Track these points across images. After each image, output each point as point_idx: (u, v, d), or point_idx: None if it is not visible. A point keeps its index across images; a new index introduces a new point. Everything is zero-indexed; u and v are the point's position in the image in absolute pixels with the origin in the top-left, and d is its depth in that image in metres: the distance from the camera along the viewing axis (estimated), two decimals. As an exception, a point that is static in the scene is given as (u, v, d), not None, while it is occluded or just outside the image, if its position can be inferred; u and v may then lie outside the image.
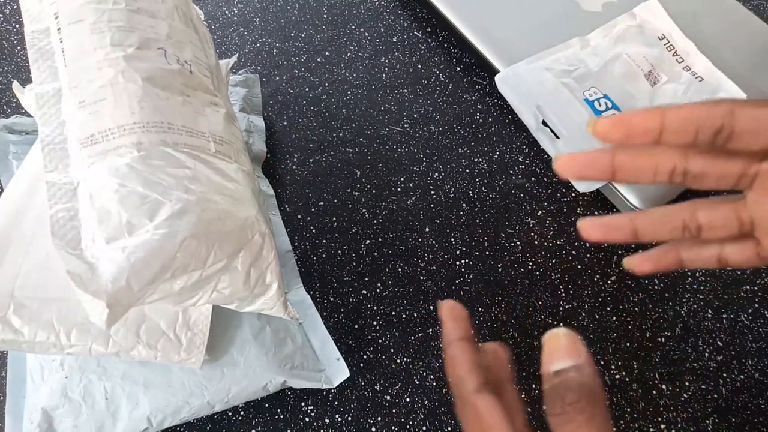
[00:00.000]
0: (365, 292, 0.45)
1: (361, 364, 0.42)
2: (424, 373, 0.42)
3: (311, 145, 0.52)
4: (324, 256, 0.46)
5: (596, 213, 0.49)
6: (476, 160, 0.51)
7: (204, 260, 0.30)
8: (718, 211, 0.25)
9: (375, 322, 0.44)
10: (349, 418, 0.40)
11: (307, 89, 0.55)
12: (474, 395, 0.24)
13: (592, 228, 0.27)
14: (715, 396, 0.42)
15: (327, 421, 0.40)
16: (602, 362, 0.43)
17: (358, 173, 0.50)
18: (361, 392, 0.41)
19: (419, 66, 0.57)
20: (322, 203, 0.49)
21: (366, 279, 0.45)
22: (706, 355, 0.43)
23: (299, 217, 0.48)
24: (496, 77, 0.52)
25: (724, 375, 0.43)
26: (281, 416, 0.40)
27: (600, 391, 0.22)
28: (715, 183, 0.24)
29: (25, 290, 0.32)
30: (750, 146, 0.22)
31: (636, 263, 0.28)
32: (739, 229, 0.25)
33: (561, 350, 0.23)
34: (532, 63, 0.52)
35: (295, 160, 0.51)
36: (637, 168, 0.24)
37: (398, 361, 0.42)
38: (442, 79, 0.56)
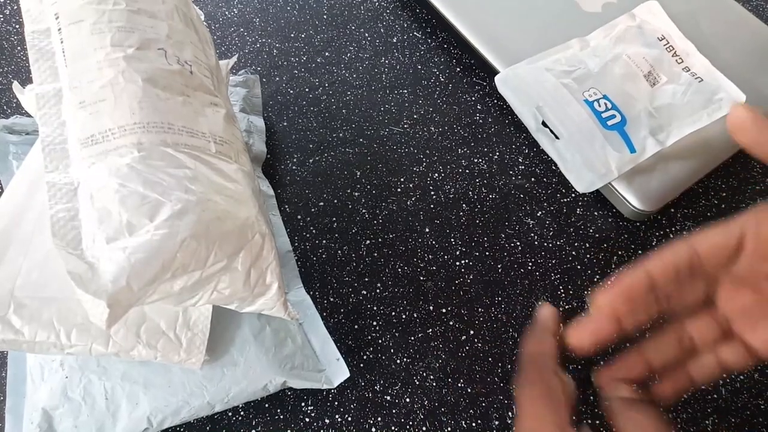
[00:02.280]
0: (365, 293, 0.45)
1: (361, 365, 0.42)
2: (424, 374, 0.42)
3: (311, 146, 0.52)
4: (324, 256, 0.46)
5: (596, 213, 0.49)
6: (476, 160, 0.51)
7: (204, 260, 0.30)
8: (699, 318, 0.29)
9: (375, 323, 0.44)
10: (349, 419, 0.40)
11: (307, 90, 0.55)
12: (548, 369, 0.27)
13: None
14: (715, 396, 0.42)
15: (327, 421, 0.40)
16: (601, 363, 0.43)
17: (358, 174, 0.50)
18: (361, 392, 0.41)
19: (419, 67, 0.57)
20: (322, 204, 0.49)
21: (366, 279, 0.45)
22: (706, 355, 0.43)
23: (299, 217, 0.48)
24: (496, 78, 0.52)
25: (724, 375, 0.43)
26: (281, 416, 0.40)
27: None
28: (691, 301, 0.28)
29: (25, 290, 0.32)
30: (712, 269, 0.27)
31: (654, 393, 0.30)
32: (720, 331, 0.29)
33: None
34: (532, 64, 0.52)
35: (295, 160, 0.51)
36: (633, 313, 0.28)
37: (398, 361, 0.42)
38: (442, 79, 0.56)
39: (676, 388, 0.30)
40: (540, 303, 0.29)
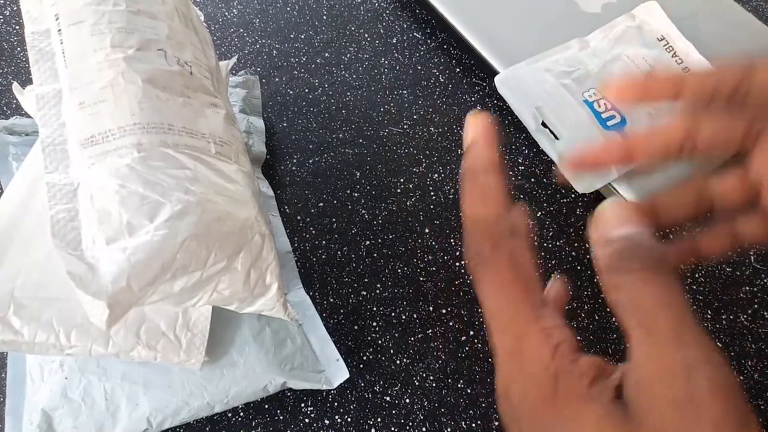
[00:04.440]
0: (365, 293, 0.45)
1: (361, 365, 0.42)
2: (424, 374, 0.42)
3: (311, 147, 0.52)
4: (324, 257, 0.46)
5: (596, 214, 0.49)
6: (476, 161, 0.51)
7: (204, 261, 0.30)
8: (727, 181, 0.25)
9: (375, 323, 0.44)
10: (349, 419, 0.40)
11: (306, 90, 0.55)
12: (503, 238, 0.21)
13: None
14: (715, 397, 0.42)
15: (327, 422, 0.40)
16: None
17: (358, 174, 0.50)
18: (360, 393, 0.41)
19: (419, 67, 0.57)
20: (321, 204, 0.49)
21: (366, 280, 0.45)
22: (706, 355, 0.43)
23: (299, 218, 0.48)
24: (496, 78, 0.52)
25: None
26: (281, 417, 0.40)
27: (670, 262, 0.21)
28: (722, 148, 0.24)
29: (25, 290, 0.32)
30: (761, 105, 0.22)
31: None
32: (746, 197, 0.25)
33: (622, 218, 0.21)
34: (532, 64, 0.52)
35: (294, 161, 0.51)
36: (650, 144, 0.24)
37: (398, 362, 0.42)
38: (442, 80, 0.56)
39: (681, 257, 0.27)
40: (468, 118, 0.23)
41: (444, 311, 0.44)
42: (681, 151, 0.24)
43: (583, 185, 0.47)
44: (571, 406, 0.18)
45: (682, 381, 0.17)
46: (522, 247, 0.21)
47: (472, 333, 0.43)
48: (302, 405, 0.40)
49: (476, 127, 0.23)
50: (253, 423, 0.40)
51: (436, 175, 0.50)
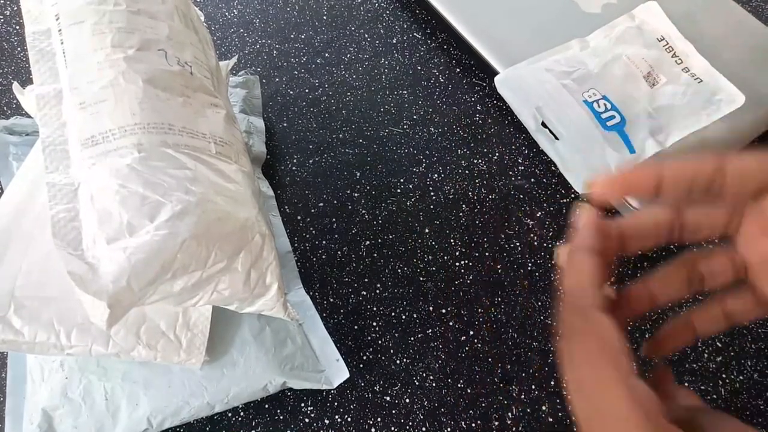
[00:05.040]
0: (365, 293, 0.45)
1: (361, 365, 0.42)
2: (424, 374, 0.42)
3: (311, 147, 0.52)
4: (324, 257, 0.46)
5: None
6: (476, 161, 0.52)
7: (204, 261, 0.30)
8: (715, 258, 0.26)
9: (375, 323, 0.44)
10: (349, 419, 0.40)
11: (306, 90, 0.55)
12: (594, 310, 0.22)
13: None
14: (715, 397, 0.42)
15: (327, 421, 0.40)
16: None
17: (358, 174, 0.50)
18: (360, 393, 0.41)
19: (419, 67, 0.57)
20: (321, 204, 0.49)
21: (366, 280, 0.45)
22: (706, 356, 0.43)
23: (299, 218, 0.48)
24: (496, 78, 0.52)
25: (724, 376, 0.43)
26: (281, 417, 0.40)
27: None
28: (708, 232, 0.25)
29: (25, 290, 0.32)
30: (737, 194, 0.23)
31: (654, 349, 0.28)
32: (735, 275, 0.26)
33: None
34: (532, 64, 0.52)
35: (294, 161, 0.51)
36: (640, 226, 0.25)
37: (398, 362, 0.42)
38: (442, 80, 0.56)
39: (677, 346, 0.27)
40: (579, 204, 0.25)
41: (444, 311, 0.44)
42: (669, 238, 0.25)
43: (583, 185, 0.47)
44: None
45: None
46: (612, 324, 0.22)
47: (472, 333, 0.44)
48: (302, 405, 0.40)
49: (588, 215, 0.25)
50: (254, 423, 0.40)
51: (436, 175, 0.51)
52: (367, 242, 0.47)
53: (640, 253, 0.27)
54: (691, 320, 0.27)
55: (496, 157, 0.52)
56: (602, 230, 0.24)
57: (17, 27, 0.57)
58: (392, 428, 0.40)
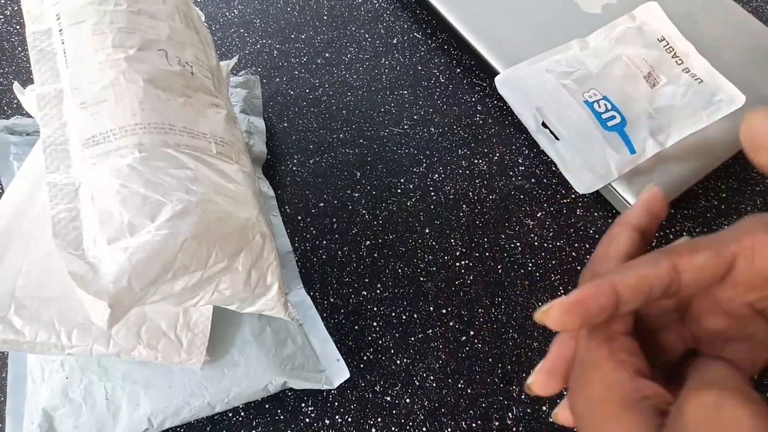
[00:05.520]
0: (365, 293, 0.45)
1: (361, 365, 0.42)
2: (424, 374, 0.42)
3: (311, 147, 0.52)
4: (324, 257, 0.46)
5: (596, 214, 0.49)
6: (476, 161, 0.52)
7: (205, 261, 0.30)
8: (673, 333, 0.25)
9: (375, 323, 0.44)
10: (349, 419, 0.40)
11: (307, 90, 0.55)
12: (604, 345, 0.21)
13: None
14: (715, 397, 0.42)
15: (327, 422, 0.40)
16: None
17: (358, 174, 0.50)
18: (361, 393, 0.41)
19: (419, 67, 0.57)
20: (322, 204, 0.49)
21: (366, 280, 0.45)
22: (706, 356, 0.43)
23: (299, 218, 0.48)
24: (496, 79, 0.52)
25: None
26: (281, 417, 0.40)
27: None
28: (659, 317, 0.25)
29: (26, 290, 0.32)
30: (694, 291, 0.23)
31: None
32: (690, 345, 0.25)
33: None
34: (532, 65, 0.52)
35: (295, 161, 0.51)
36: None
37: (398, 362, 0.42)
38: (442, 80, 0.56)
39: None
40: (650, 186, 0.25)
41: (444, 311, 0.44)
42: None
43: (583, 186, 0.47)
44: None
45: None
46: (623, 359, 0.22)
47: (472, 333, 0.44)
48: (303, 405, 0.40)
49: (650, 196, 0.24)
50: (254, 423, 0.40)
51: (436, 175, 0.51)
52: (368, 242, 0.47)
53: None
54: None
55: (496, 158, 0.52)
56: (654, 213, 0.24)
57: (18, 27, 0.57)
58: (392, 428, 0.40)
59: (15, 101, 0.52)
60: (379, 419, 0.40)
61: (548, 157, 0.50)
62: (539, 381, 0.23)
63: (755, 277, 0.22)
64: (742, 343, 0.24)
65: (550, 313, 0.21)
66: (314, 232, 0.47)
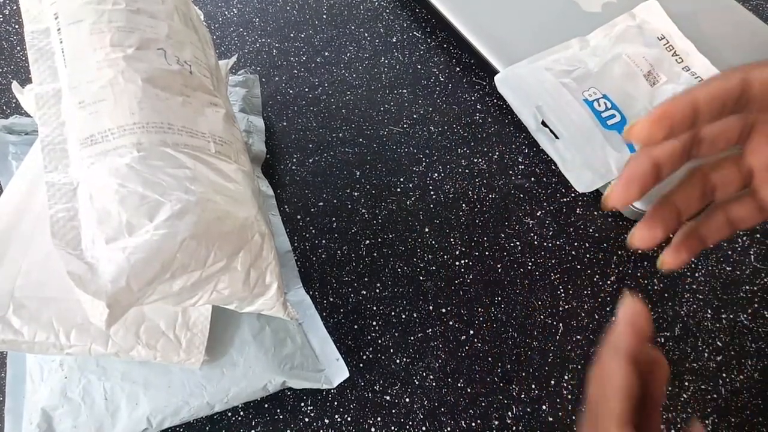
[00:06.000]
0: (365, 293, 0.45)
1: (361, 365, 0.42)
2: (424, 374, 0.42)
3: (311, 146, 0.52)
4: (323, 256, 0.46)
5: (596, 213, 0.49)
6: (476, 160, 0.51)
7: (204, 260, 0.30)
8: (724, 169, 0.27)
9: (374, 323, 0.44)
10: (349, 419, 0.40)
11: (306, 89, 0.55)
12: (615, 429, 0.23)
13: (640, 234, 0.27)
14: (715, 396, 0.42)
15: (326, 421, 0.40)
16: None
17: (358, 173, 0.50)
18: (360, 392, 0.41)
19: (419, 66, 0.57)
20: (321, 203, 0.49)
21: (365, 279, 0.45)
22: (706, 355, 0.43)
23: (299, 217, 0.48)
24: (496, 78, 0.52)
25: (724, 375, 0.43)
26: (281, 416, 0.40)
27: None
28: (723, 145, 0.27)
29: (24, 290, 0.32)
30: (761, 104, 0.24)
31: (670, 260, 0.29)
32: (743, 182, 0.27)
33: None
34: (532, 63, 0.52)
35: (294, 160, 0.51)
36: (671, 157, 0.26)
37: (398, 361, 0.42)
38: (442, 79, 0.56)
39: (691, 253, 0.29)
40: (624, 300, 0.26)
41: (444, 311, 0.44)
42: (688, 157, 0.26)
43: (583, 185, 0.47)
44: None
45: None
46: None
47: (472, 332, 0.43)
48: (302, 404, 0.40)
49: (630, 310, 0.25)
50: (253, 422, 0.40)
51: (436, 175, 0.50)
52: (367, 241, 0.47)
53: (640, 252, 0.27)
54: (698, 230, 0.28)
55: (496, 157, 0.52)
56: (641, 329, 0.25)
57: (16, 26, 0.57)
58: (392, 428, 0.40)
59: (13, 100, 0.52)
60: (379, 419, 0.40)
61: (548, 156, 0.50)
62: (618, 189, 0.25)
63: None
64: None
65: (635, 128, 0.23)
66: (313, 231, 0.47)
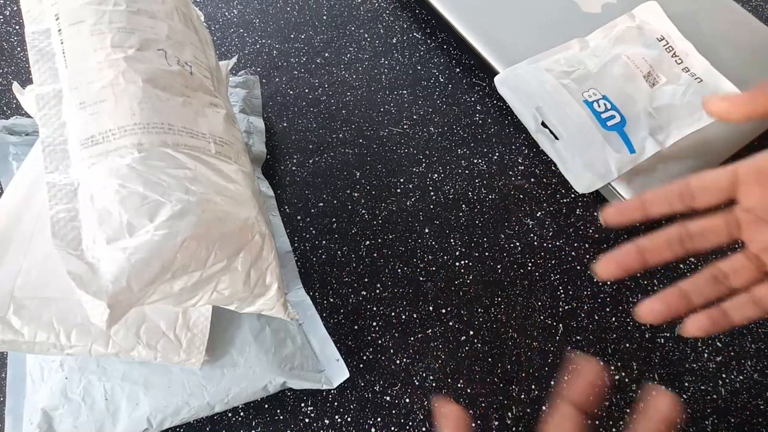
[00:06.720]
0: (365, 293, 0.45)
1: (361, 365, 0.42)
2: (424, 374, 0.42)
3: (311, 146, 0.52)
4: (324, 257, 0.46)
5: (596, 214, 0.49)
6: (476, 161, 0.52)
7: (204, 261, 0.30)
8: (735, 259, 0.30)
9: (374, 323, 0.44)
10: (349, 419, 0.40)
11: (306, 90, 0.55)
12: None
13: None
14: (715, 396, 0.42)
15: (327, 421, 0.40)
16: (601, 363, 0.43)
17: (358, 174, 0.50)
18: (360, 393, 0.41)
19: (419, 67, 0.57)
20: (321, 204, 0.49)
21: (365, 280, 0.45)
22: (705, 355, 0.43)
23: (299, 218, 0.48)
24: (496, 78, 0.52)
25: (724, 376, 0.43)
26: (281, 417, 0.40)
27: None
28: (715, 239, 0.30)
29: (25, 290, 0.32)
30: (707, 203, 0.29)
31: (693, 328, 0.30)
32: (755, 269, 0.30)
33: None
34: (532, 64, 0.52)
35: (294, 161, 0.51)
36: (659, 249, 0.30)
37: (398, 361, 0.42)
38: (442, 80, 0.56)
39: (715, 325, 0.30)
40: (437, 403, 0.28)
41: (444, 311, 0.44)
42: (681, 248, 0.31)
43: (582, 186, 0.47)
44: None
45: None
46: None
47: (472, 333, 0.44)
48: (302, 405, 0.40)
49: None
50: (254, 423, 0.40)
51: (435, 175, 0.51)
52: (367, 242, 0.47)
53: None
54: (724, 309, 0.30)
55: (496, 157, 0.52)
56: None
57: (17, 27, 0.57)
58: (392, 428, 0.40)
59: (14, 101, 0.52)
60: (379, 419, 0.40)
61: (548, 157, 0.50)
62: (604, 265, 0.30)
63: None
64: None
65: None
66: (314, 231, 0.47)
